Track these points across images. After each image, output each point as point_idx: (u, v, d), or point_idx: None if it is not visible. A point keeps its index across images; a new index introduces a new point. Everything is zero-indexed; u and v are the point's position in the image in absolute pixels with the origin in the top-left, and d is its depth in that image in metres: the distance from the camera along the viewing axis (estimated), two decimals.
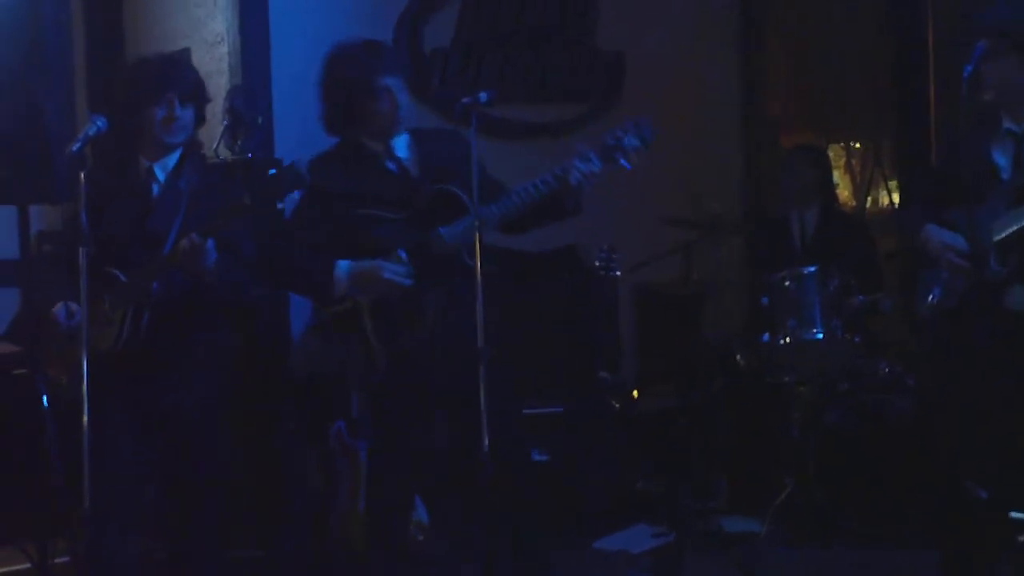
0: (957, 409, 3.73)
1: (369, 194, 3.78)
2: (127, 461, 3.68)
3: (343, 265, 3.77)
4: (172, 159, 3.90)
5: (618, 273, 5.67)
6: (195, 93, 3.90)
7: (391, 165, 3.91)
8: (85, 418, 3.29)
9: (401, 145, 3.95)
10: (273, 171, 3.62)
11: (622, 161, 3.77)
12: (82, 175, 3.42)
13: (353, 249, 3.79)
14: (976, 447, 3.66)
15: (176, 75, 3.87)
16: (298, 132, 5.63)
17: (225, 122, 5.50)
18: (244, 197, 3.53)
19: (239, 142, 5.43)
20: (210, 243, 3.60)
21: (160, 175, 3.88)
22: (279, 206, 3.66)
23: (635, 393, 5.25)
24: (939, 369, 3.92)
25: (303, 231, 3.89)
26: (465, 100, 3.57)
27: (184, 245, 3.57)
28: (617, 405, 5.83)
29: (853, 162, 7.05)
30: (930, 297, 3.83)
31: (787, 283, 5.37)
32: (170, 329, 3.73)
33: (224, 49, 5.71)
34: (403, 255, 3.76)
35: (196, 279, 3.67)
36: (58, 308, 3.75)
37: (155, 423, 3.78)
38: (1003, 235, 3.61)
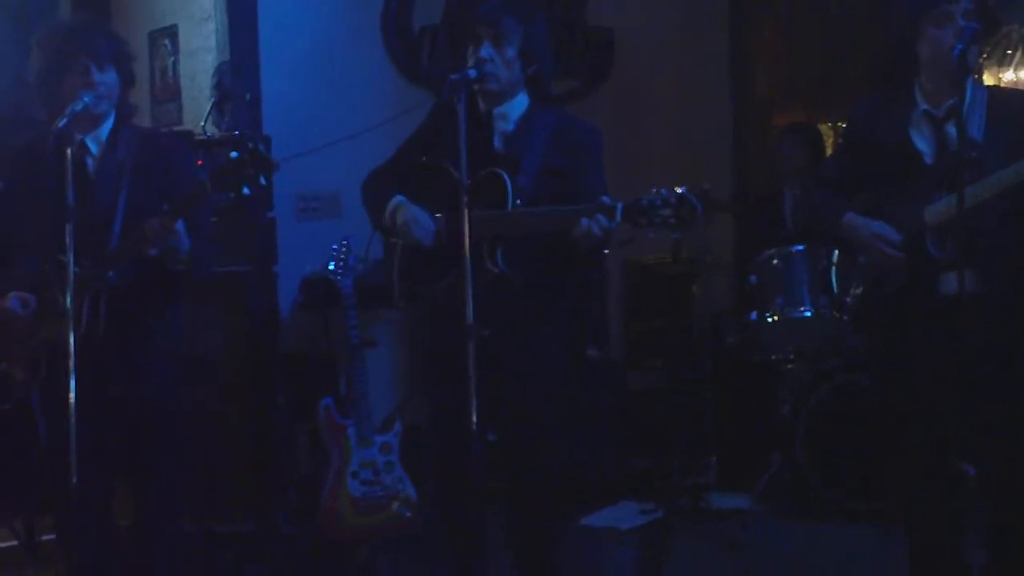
0: (906, 398, 3.70)
1: (457, 150, 3.50)
2: (91, 451, 3.45)
3: (397, 199, 3.71)
4: (104, 129, 3.65)
5: (606, 251, 5.66)
6: (114, 55, 3.63)
7: (498, 133, 3.75)
8: (72, 395, 3.25)
9: (526, 120, 3.75)
10: (235, 154, 3.37)
11: (646, 232, 3.42)
12: (69, 151, 3.36)
13: (428, 192, 3.71)
14: (932, 431, 3.64)
15: (87, 40, 3.60)
16: (285, 108, 5.64)
17: (213, 98, 5.50)
18: (205, 182, 3.38)
19: (227, 118, 5.42)
20: (180, 226, 3.45)
21: (94, 148, 3.64)
22: (244, 191, 3.43)
23: None
24: (882, 360, 3.87)
25: (403, 157, 3.85)
26: (454, 77, 3.52)
27: (153, 227, 3.40)
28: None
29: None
30: (855, 286, 3.76)
31: (775, 261, 5.38)
32: (128, 316, 3.56)
33: (212, 26, 5.68)
34: (436, 218, 3.68)
35: (168, 263, 3.52)
36: (10, 300, 3.57)
37: (117, 411, 3.64)
38: (939, 221, 3.50)
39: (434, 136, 3.79)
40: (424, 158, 3.78)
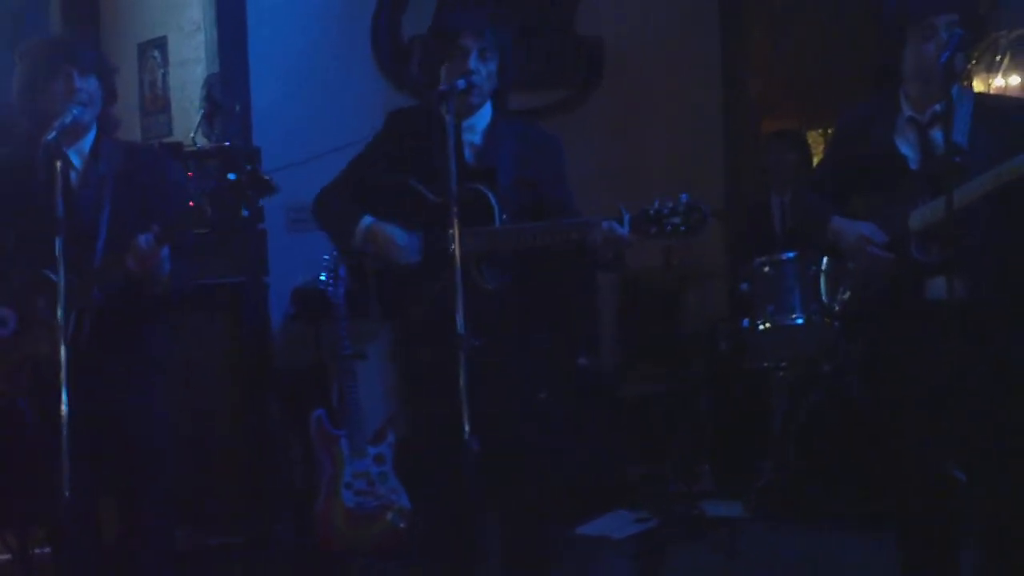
0: (895, 403, 3.71)
1: (427, 165, 3.59)
2: (79, 466, 3.31)
3: (367, 220, 3.68)
4: (87, 142, 3.62)
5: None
6: (96, 65, 3.62)
7: (467, 145, 3.72)
8: (64, 407, 3.23)
9: (492, 131, 3.75)
10: (233, 176, 3.33)
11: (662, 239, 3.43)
12: (58, 164, 3.35)
13: (392, 211, 3.70)
14: (923, 437, 3.64)
15: (70, 49, 3.61)
16: (275, 119, 5.64)
17: (202, 110, 5.50)
18: (204, 205, 3.35)
19: (216, 129, 5.42)
20: (165, 251, 3.42)
21: (76, 161, 3.60)
22: (244, 213, 3.41)
23: None
24: (870, 366, 3.87)
25: (361, 173, 3.82)
26: (442, 87, 3.53)
27: (141, 244, 3.38)
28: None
29: None
30: (843, 292, 3.77)
31: (766, 269, 5.38)
32: (113, 331, 3.53)
33: (201, 37, 5.69)
34: (417, 235, 3.67)
35: (148, 287, 3.50)
36: None
37: (104, 425, 3.58)
38: (924, 226, 3.51)
39: (397, 149, 3.77)
40: (386, 173, 3.75)
